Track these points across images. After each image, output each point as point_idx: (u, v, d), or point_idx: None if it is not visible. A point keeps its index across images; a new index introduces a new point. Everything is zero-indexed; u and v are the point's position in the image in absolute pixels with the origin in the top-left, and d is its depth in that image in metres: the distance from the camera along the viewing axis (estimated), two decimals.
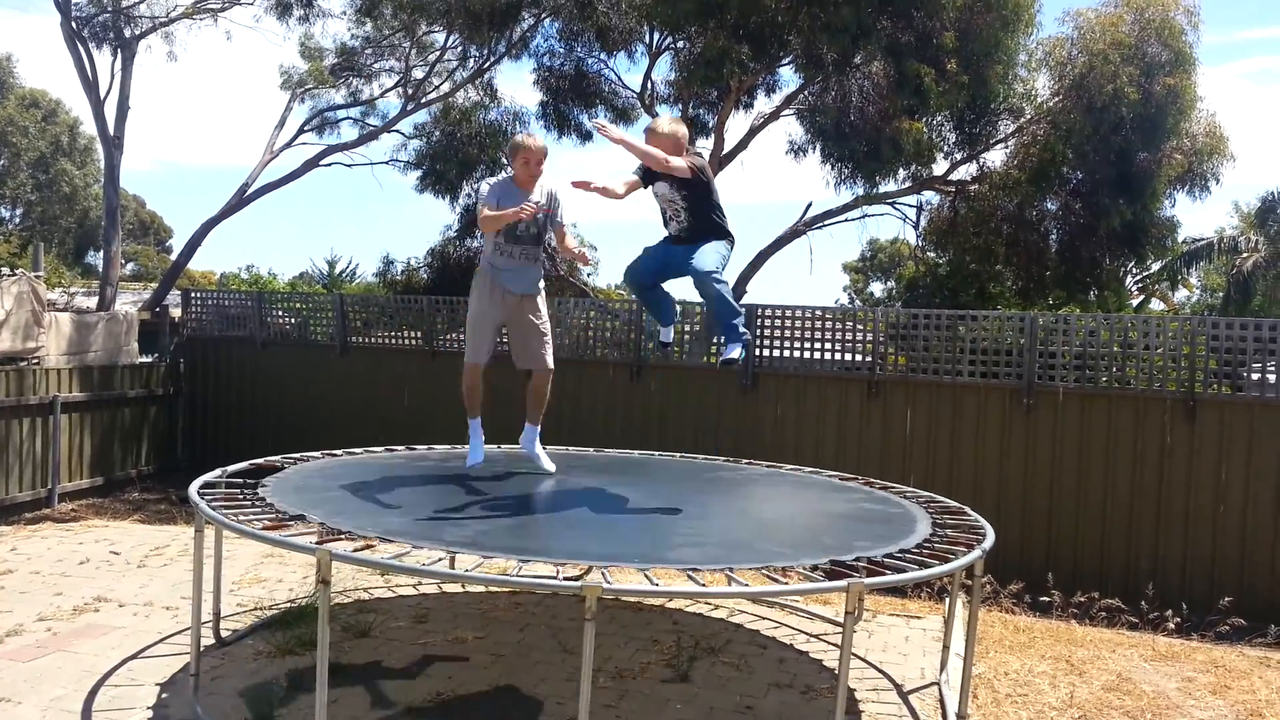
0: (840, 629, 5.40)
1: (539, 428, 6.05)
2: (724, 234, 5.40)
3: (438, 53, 17.37)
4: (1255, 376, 8.99)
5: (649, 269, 5.63)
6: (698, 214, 5.36)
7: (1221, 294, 25.54)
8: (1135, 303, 22.50)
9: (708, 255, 5.27)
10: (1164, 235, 15.15)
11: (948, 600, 6.19)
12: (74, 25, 14.55)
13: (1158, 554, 8.92)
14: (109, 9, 14.94)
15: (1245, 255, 22.97)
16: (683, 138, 5.37)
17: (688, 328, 11.68)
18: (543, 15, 15.75)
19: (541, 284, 5.91)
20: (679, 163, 5.18)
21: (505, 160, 5.98)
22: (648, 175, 5.41)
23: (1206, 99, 14.38)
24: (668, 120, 5.48)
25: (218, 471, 5.46)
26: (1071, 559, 9.10)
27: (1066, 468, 9.26)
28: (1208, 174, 14.42)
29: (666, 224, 5.57)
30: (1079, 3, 29.44)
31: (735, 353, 5.27)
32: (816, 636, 6.35)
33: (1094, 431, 9.21)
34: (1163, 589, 8.48)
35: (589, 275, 20.19)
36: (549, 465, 6.07)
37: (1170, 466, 8.95)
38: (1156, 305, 25.73)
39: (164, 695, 4.93)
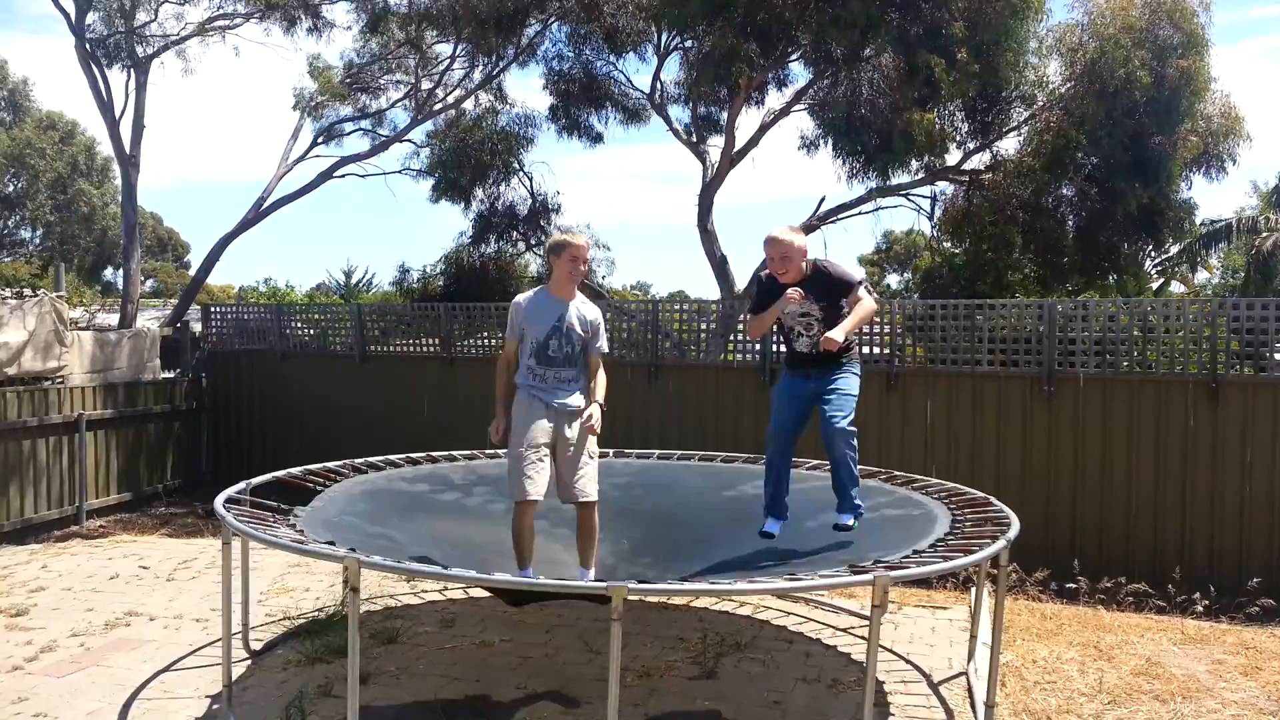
0: (866, 622, 5.40)
1: (592, 571, 5.18)
2: (854, 352, 5.25)
3: (446, 62, 17.46)
4: (1278, 357, 8.91)
5: (792, 424, 5.32)
6: (831, 326, 5.07)
7: (1242, 274, 25.29)
8: (1155, 286, 22.31)
9: (845, 404, 5.08)
10: (1181, 218, 14.98)
11: (974, 590, 6.17)
12: (88, 47, 14.72)
13: (1184, 537, 8.86)
14: (122, 30, 15.09)
15: (1265, 235, 22.70)
16: (806, 244, 5.24)
17: (704, 325, 11.70)
18: (549, 20, 15.80)
19: (582, 402, 5.19)
20: (870, 300, 5.13)
21: (542, 259, 5.63)
22: (774, 289, 5.18)
23: (1220, 80, 14.27)
24: (791, 232, 5.23)
25: (242, 485, 5.52)
26: (1097, 545, 9.05)
27: (1090, 454, 9.21)
28: (1224, 155, 14.27)
29: (789, 341, 5.32)
30: None
31: (849, 521, 5.14)
32: (843, 630, 6.35)
33: (1116, 417, 9.15)
34: (1190, 572, 8.43)
35: (604, 278, 20.18)
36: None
37: (1195, 449, 8.88)
38: (1177, 288, 25.50)
39: (197, 706, 4.98)
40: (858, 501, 5.21)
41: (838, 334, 4.94)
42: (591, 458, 5.17)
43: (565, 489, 5.15)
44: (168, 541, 9.53)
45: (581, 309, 5.23)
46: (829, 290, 5.17)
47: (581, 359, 5.22)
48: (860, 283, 5.20)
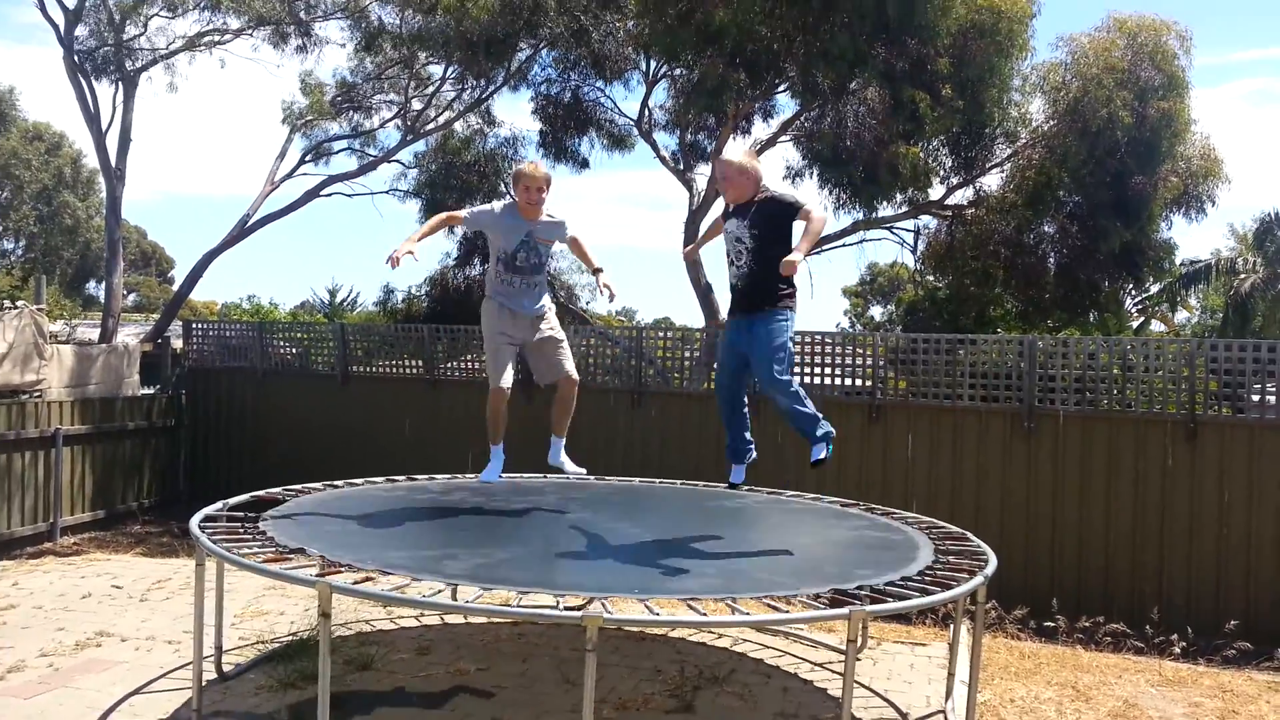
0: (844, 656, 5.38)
1: (564, 439, 5.95)
2: (784, 297, 5.10)
3: (436, 83, 17.53)
4: (1255, 398, 8.99)
5: (734, 374, 5.39)
6: (761, 259, 5.01)
7: (1221, 315, 25.56)
8: (1135, 324, 22.53)
9: (773, 356, 5.02)
10: (1161, 257, 15.19)
11: (952, 627, 6.17)
12: (76, 59, 14.69)
13: (1162, 577, 8.89)
14: (110, 42, 15.07)
15: (1243, 276, 23.02)
16: (759, 170, 5.18)
17: (688, 352, 11.71)
18: (540, 45, 15.90)
19: (549, 302, 5.88)
20: (822, 213, 5.03)
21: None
22: (726, 212, 5.27)
23: (1201, 121, 14.48)
24: (743, 152, 5.28)
25: (218, 505, 5.46)
26: (1076, 583, 9.07)
27: (1069, 491, 9.25)
28: (1203, 196, 14.48)
29: (729, 264, 5.31)
30: (1072, 27, 29.70)
31: (823, 454, 5.15)
32: (821, 665, 6.32)
33: (1095, 454, 9.20)
34: (1168, 612, 8.44)
35: (587, 303, 20.22)
36: (578, 470, 6.04)
37: (1172, 489, 8.93)
38: (1157, 327, 25.77)
39: None
40: (822, 432, 5.18)
41: (797, 255, 4.81)
42: (563, 341, 5.86)
43: (551, 371, 5.85)
44: (142, 561, 9.41)
45: (547, 221, 5.66)
46: (772, 218, 5.04)
47: (546, 265, 5.79)
48: (815, 204, 5.10)
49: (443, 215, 5.82)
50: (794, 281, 5.12)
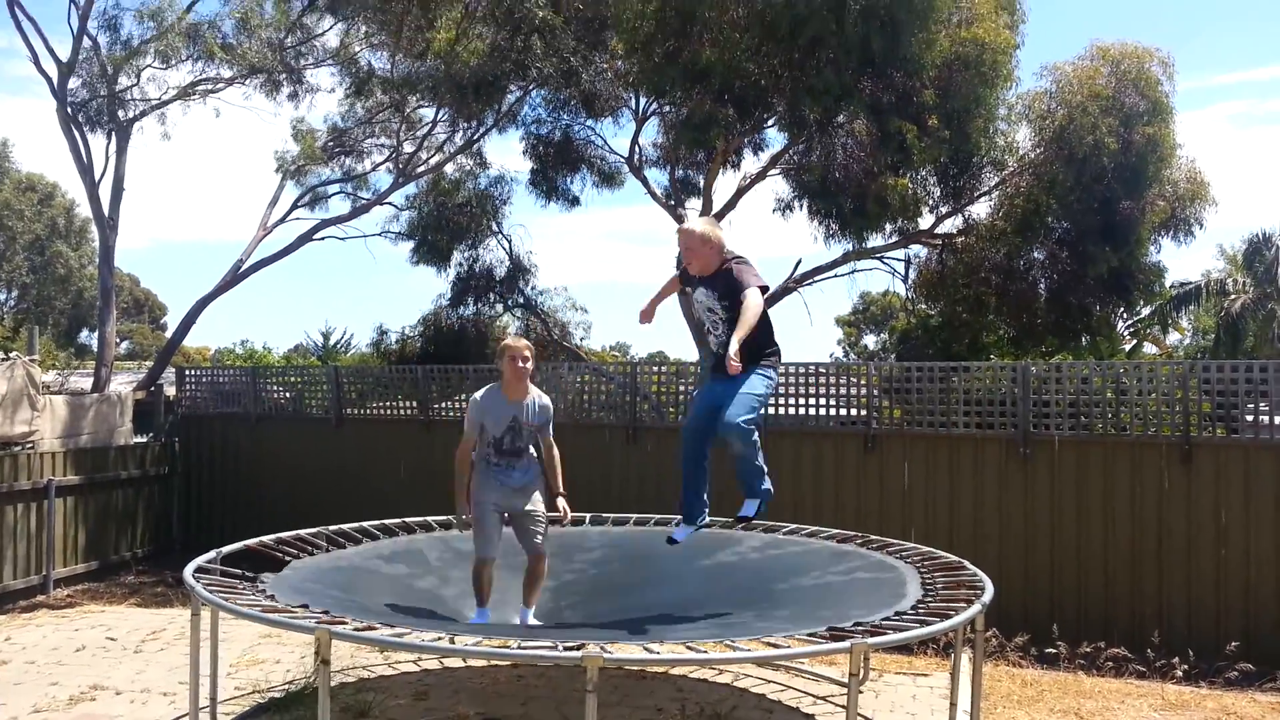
0: (846, 689, 5.34)
1: (532, 610, 5.93)
2: (766, 357, 5.12)
3: (428, 126, 17.64)
4: (1249, 418, 9.00)
5: (704, 422, 5.24)
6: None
7: (1212, 336, 25.66)
8: (1128, 347, 22.58)
9: (742, 401, 4.97)
10: (1151, 280, 15.24)
11: (953, 656, 6.13)
12: (69, 110, 14.77)
13: (1162, 600, 8.85)
14: (103, 94, 15.16)
15: (1233, 297, 23.13)
16: (721, 238, 5.21)
17: (683, 386, 11.70)
18: (529, 86, 16.02)
19: (538, 476, 6.05)
20: (756, 299, 4.92)
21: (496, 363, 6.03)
22: (686, 276, 5.30)
23: (1186, 145, 14.61)
24: (704, 222, 5.30)
25: (212, 554, 5.44)
26: (1076, 608, 9.02)
27: (1066, 516, 9.22)
28: (1191, 219, 14.57)
29: (705, 336, 5.31)
30: (1056, 56, 30.06)
31: (751, 511, 5.14)
32: (824, 698, 6.27)
33: (1091, 479, 9.19)
34: (1169, 636, 8.40)
35: (581, 339, 20.23)
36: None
37: (1169, 511, 8.91)
38: (1150, 349, 25.81)
39: None
40: (763, 488, 5.17)
41: (733, 350, 4.77)
42: (542, 519, 5.99)
43: (525, 544, 5.96)
44: (136, 612, 9.34)
45: (533, 404, 5.94)
46: (731, 289, 5.03)
47: (531, 444, 5.99)
48: (752, 287, 4.97)
49: (460, 457, 5.88)
50: (775, 342, 5.17)
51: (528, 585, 5.94)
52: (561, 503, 6.07)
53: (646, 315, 5.40)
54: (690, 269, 5.25)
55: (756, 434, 5.13)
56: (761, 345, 5.08)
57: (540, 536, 5.94)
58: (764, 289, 5.05)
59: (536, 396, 5.98)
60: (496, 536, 5.83)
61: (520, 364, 5.82)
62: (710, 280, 5.17)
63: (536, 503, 5.99)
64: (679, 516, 5.54)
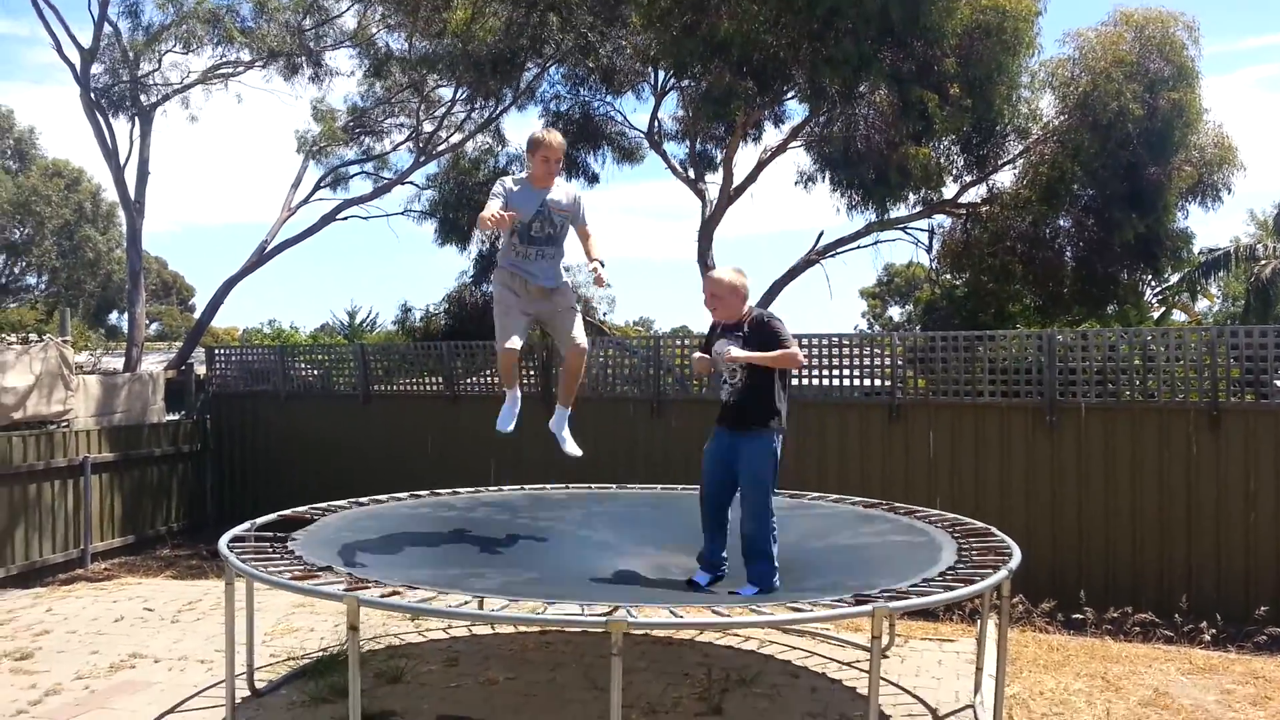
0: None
1: (570, 410, 5.93)
2: (773, 416, 5.16)
3: (446, 105, 17.68)
4: (1279, 383, 8.93)
5: (721, 485, 5.32)
6: (753, 380, 5.13)
7: (1242, 302, 25.33)
8: (1156, 315, 22.35)
9: (765, 488, 5.08)
10: (1179, 247, 15.10)
11: (979, 622, 6.16)
12: (93, 96, 14.92)
13: (1190, 566, 8.83)
14: (126, 79, 15.30)
15: (1264, 262, 22.78)
16: (748, 288, 5.30)
17: None
18: (547, 63, 16.01)
19: (565, 275, 5.86)
20: (798, 355, 5.15)
21: (524, 158, 5.96)
22: (709, 343, 5.34)
23: (1213, 110, 14.50)
24: (732, 271, 5.33)
25: (246, 525, 5.54)
26: (1103, 575, 9.02)
27: (1093, 483, 9.20)
28: (1219, 184, 14.43)
29: (719, 381, 5.36)
30: (1079, 22, 29.65)
31: (747, 594, 5.02)
32: (849, 664, 6.32)
33: (1119, 446, 9.16)
34: (1197, 601, 8.39)
35: (605, 314, 20.29)
36: (574, 450, 5.93)
37: (1198, 477, 8.87)
38: (1179, 316, 25.53)
39: None
40: (769, 580, 5.08)
41: (739, 351, 5.00)
42: (575, 310, 5.87)
43: (561, 340, 5.87)
44: (172, 583, 9.51)
45: (560, 192, 5.65)
46: (760, 342, 5.12)
47: (561, 237, 5.70)
48: (795, 348, 5.16)
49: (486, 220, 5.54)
50: (779, 407, 5.19)
51: (565, 384, 5.92)
52: (597, 266, 5.68)
53: (703, 368, 5.50)
54: (714, 315, 5.34)
55: (773, 520, 5.16)
56: (770, 401, 5.15)
57: (577, 329, 5.78)
58: (791, 343, 5.16)
59: (560, 186, 5.70)
60: (520, 332, 5.66)
61: (555, 163, 5.59)
62: (732, 328, 5.25)
63: (569, 298, 5.86)
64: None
